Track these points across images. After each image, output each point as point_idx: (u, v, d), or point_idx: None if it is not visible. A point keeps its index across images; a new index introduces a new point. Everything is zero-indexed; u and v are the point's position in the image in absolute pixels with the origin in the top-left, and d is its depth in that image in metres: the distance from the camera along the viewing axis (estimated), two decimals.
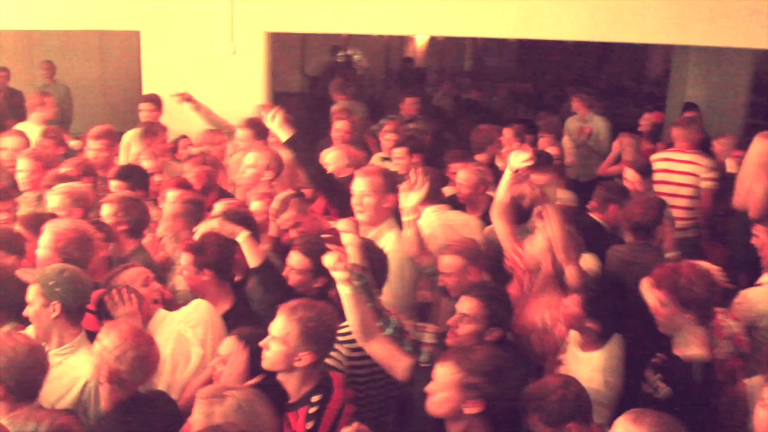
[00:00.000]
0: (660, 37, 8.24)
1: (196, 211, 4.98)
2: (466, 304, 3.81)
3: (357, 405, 3.78)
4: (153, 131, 6.94)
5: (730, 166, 7.27)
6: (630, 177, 6.37)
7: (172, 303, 4.30)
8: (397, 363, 3.61)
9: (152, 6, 7.97)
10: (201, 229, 4.26)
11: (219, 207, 4.95)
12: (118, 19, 8.20)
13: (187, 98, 7.43)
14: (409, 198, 4.42)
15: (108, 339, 3.29)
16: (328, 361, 3.70)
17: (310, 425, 3.29)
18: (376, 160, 7.61)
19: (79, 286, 3.67)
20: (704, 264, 4.13)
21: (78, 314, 3.67)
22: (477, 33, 9.19)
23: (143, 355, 3.30)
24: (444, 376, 3.14)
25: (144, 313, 3.89)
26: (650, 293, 3.90)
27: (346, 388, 3.60)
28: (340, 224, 3.83)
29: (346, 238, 3.79)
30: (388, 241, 4.53)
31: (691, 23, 7.75)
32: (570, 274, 4.19)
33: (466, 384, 3.09)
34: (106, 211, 4.73)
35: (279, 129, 5.23)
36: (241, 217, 4.54)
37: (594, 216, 5.89)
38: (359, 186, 4.65)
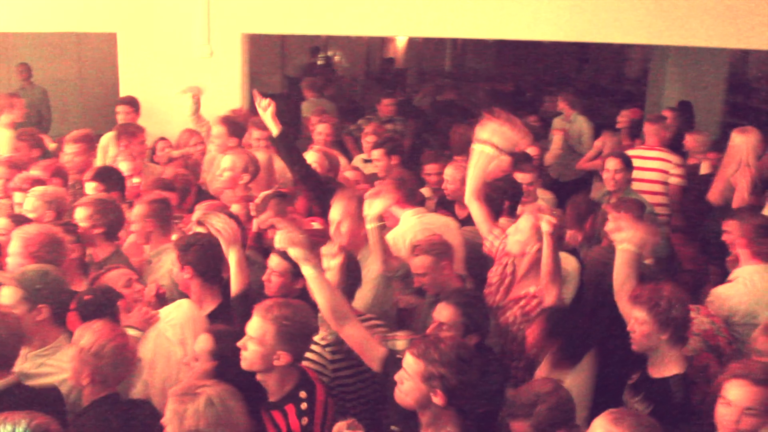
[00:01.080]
0: (637, 37, 8.31)
1: (164, 211, 4.97)
2: (443, 313, 3.86)
3: (348, 405, 3.85)
4: (130, 132, 6.88)
5: (704, 167, 7.36)
6: (611, 167, 6.37)
7: (164, 298, 4.31)
8: (372, 351, 3.60)
9: (129, 8, 7.93)
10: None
11: (200, 209, 4.99)
12: (94, 22, 8.15)
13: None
14: (373, 206, 4.43)
15: (84, 339, 3.31)
16: (311, 365, 3.73)
17: (305, 421, 3.34)
18: (357, 161, 7.62)
19: (63, 287, 3.70)
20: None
21: (62, 315, 3.69)
22: (456, 34, 9.22)
23: (120, 345, 3.34)
24: (410, 366, 3.16)
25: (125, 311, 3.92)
26: (628, 310, 3.95)
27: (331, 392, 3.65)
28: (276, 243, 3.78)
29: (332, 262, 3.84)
30: (372, 264, 4.57)
31: (668, 24, 7.81)
32: (549, 297, 4.27)
33: (430, 374, 3.10)
34: (81, 215, 4.70)
35: (270, 121, 5.29)
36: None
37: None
38: (335, 213, 4.70)
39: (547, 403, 3.22)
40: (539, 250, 4.36)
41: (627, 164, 6.40)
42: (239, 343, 3.35)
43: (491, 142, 4.69)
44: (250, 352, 3.33)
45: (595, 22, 7.85)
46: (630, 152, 7.20)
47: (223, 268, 4.17)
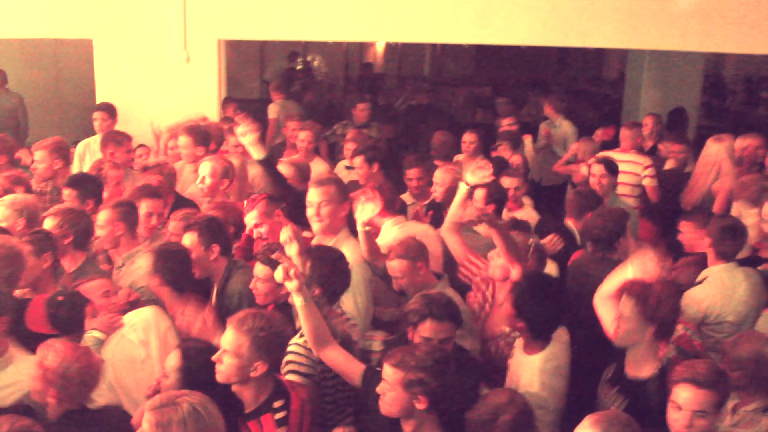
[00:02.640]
0: (614, 42, 8.40)
1: (131, 214, 4.98)
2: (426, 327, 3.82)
3: (335, 408, 3.85)
4: (117, 140, 6.85)
5: (669, 163, 7.45)
6: (597, 172, 6.44)
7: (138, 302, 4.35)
8: (352, 370, 3.64)
9: (105, 14, 7.89)
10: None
11: (178, 216, 5.03)
12: (71, 28, 8.11)
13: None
14: (364, 210, 4.48)
15: (48, 359, 3.30)
16: (300, 368, 3.75)
17: (283, 430, 3.34)
18: (340, 168, 7.63)
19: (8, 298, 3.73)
20: None
21: (13, 326, 3.71)
22: (434, 39, 9.25)
23: (85, 365, 3.33)
24: (390, 375, 3.20)
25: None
26: (607, 304, 3.98)
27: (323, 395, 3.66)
28: (282, 235, 3.83)
29: (291, 250, 3.85)
30: (346, 250, 4.54)
31: (644, 28, 7.90)
32: (515, 273, 4.32)
33: (409, 381, 3.15)
34: (50, 224, 4.66)
35: (252, 147, 5.31)
36: (217, 228, 4.65)
37: (570, 222, 5.97)
38: (315, 196, 4.69)
39: (508, 413, 3.25)
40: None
41: (612, 170, 6.49)
42: (214, 357, 3.35)
43: (468, 181, 4.80)
44: (225, 365, 3.33)
45: (571, 27, 7.93)
46: (602, 154, 7.33)
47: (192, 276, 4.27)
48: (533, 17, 7.93)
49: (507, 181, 6.31)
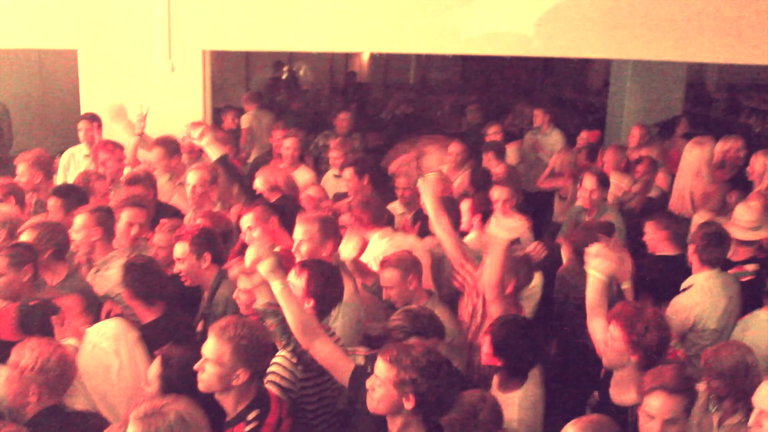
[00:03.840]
0: (596, 52, 8.47)
1: (108, 220, 5.04)
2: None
3: (315, 422, 3.85)
4: (109, 149, 6.85)
5: (635, 186, 7.43)
6: (588, 185, 6.46)
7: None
8: (342, 366, 3.62)
9: (90, 24, 7.86)
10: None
11: (164, 228, 5.09)
12: (55, 38, 8.08)
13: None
14: (346, 248, 4.75)
15: (24, 359, 3.33)
16: (281, 382, 3.75)
17: None
18: (329, 177, 7.65)
19: None
20: None
21: None
22: (417, 49, 9.28)
23: (63, 354, 3.42)
24: (382, 372, 3.20)
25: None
26: (595, 319, 4.02)
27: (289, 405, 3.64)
28: (247, 259, 3.81)
29: (254, 279, 3.79)
30: None
31: (626, 38, 7.96)
32: (495, 311, 4.36)
33: (402, 380, 3.15)
34: (28, 238, 4.66)
35: (208, 148, 5.49)
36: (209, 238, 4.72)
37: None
38: (297, 233, 4.78)
39: (485, 409, 3.35)
40: (514, 286, 4.45)
41: (603, 183, 6.51)
42: (196, 366, 3.35)
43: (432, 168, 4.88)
44: (207, 374, 3.33)
45: (554, 38, 7.98)
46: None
47: (162, 288, 4.36)
48: (517, 28, 7.98)
49: (496, 192, 6.33)
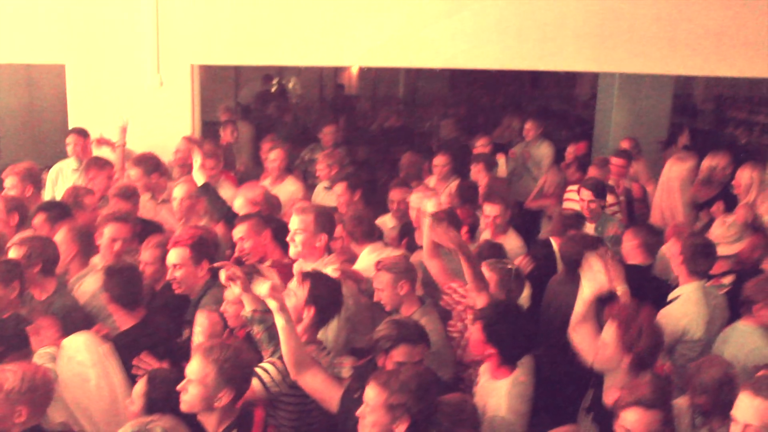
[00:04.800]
0: (582, 65, 8.52)
1: (86, 237, 5.08)
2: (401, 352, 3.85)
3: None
4: (100, 165, 6.86)
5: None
6: (585, 197, 6.53)
7: None
8: (331, 394, 3.65)
9: (78, 39, 7.88)
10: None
11: (151, 244, 5.05)
12: (43, 53, 8.08)
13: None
14: (329, 267, 4.70)
15: (8, 382, 3.32)
16: (265, 378, 3.77)
17: None
18: (319, 190, 7.66)
19: None
20: None
21: None
22: (405, 63, 9.30)
23: (44, 371, 3.44)
24: (372, 398, 3.20)
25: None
26: (580, 332, 4.02)
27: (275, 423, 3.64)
28: (222, 276, 3.87)
29: (234, 290, 3.88)
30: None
31: (611, 52, 8.03)
32: (480, 302, 4.35)
33: (393, 404, 3.17)
34: (16, 253, 4.64)
35: (196, 173, 5.71)
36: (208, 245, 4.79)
37: (554, 240, 6.02)
38: (293, 223, 4.87)
39: (469, 403, 3.42)
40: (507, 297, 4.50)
41: (599, 193, 6.58)
42: (179, 387, 3.35)
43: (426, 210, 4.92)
44: (190, 395, 3.33)
45: (541, 51, 8.03)
46: (570, 188, 7.45)
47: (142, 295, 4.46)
48: (504, 41, 8.03)
49: (489, 209, 6.36)
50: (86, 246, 5.07)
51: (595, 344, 4.00)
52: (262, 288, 3.60)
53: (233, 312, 4.28)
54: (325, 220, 4.94)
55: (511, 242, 6.32)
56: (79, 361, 3.90)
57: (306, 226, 4.83)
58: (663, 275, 5.81)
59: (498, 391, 3.89)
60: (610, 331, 3.78)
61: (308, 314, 4.03)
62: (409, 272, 4.64)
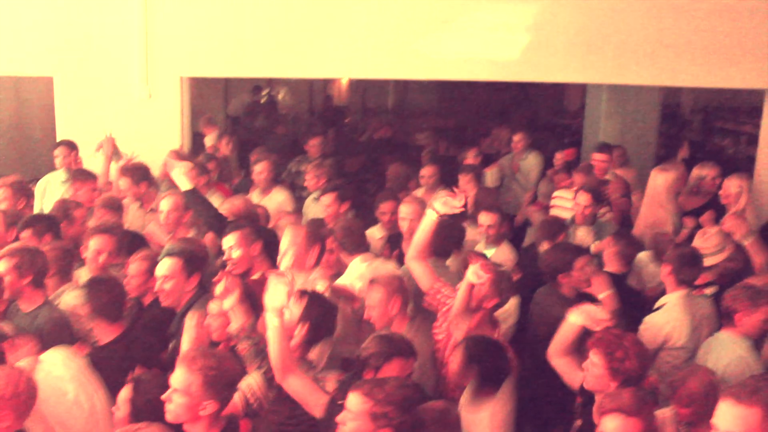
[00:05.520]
0: (569, 77, 8.59)
1: (64, 258, 5.05)
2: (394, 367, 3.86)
3: None
4: (82, 178, 6.85)
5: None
6: (582, 201, 6.58)
7: None
8: (315, 399, 3.65)
9: (66, 52, 7.87)
10: None
11: (137, 258, 5.02)
12: (31, 65, 8.08)
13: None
14: (318, 285, 4.69)
15: None
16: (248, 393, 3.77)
17: None
18: (309, 202, 7.67)
19: None
20: None
21: None
22: (393, 75, 9.34)
23: (29, 379, 3.41)
24: (355, 405, 3.20)
25: None
26: (560, 361, 4.05)
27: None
28: (217, 290, 3.87)
29: (226, 304, 3.88)
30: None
31: (599, 63, 8.08)
32: (458, 332, 4.40)
33: (377, 413, 3.16)
34: (5, 266, 4.58)
35: (179, 179, 5.59)
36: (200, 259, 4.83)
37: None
38: (285, 240, 4.88)
39: (453, 411, 3.43)
40: (496, 303, 4.50)
41: (597, 198, 6.66)
42: (164, 397, 3.34)
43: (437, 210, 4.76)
44: (175, 404, 3.32)
45: (529, 63, 8.08)
46: (555, 193, 7.50)
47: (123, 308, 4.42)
48: (492, 53, 8.07)
49: (483, 218, 6.37)
50: (67, 261, 5.04)
51: (576, 371, 4.05)
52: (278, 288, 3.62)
53: (218, 326, 4.26)
54: (316, 234, 4.95)
55: (504, 254, 6.32)
56: (57, 375, 3.88)
57: (297, 241, 4.83)
58: (638, 285, 5.91)
59: (479, 421, 3.88)
60: (597, 356, 3.78)
61: (300, 331, 4.01)
62: (403, 292, 4.62)
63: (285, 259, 4.84)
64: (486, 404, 3.93)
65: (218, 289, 3.89)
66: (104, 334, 4.36)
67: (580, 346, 4.13)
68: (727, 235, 5.67)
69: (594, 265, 5.33)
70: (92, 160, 7.47)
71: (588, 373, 3.83)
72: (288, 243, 4.85)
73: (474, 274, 4.32)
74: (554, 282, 5.20)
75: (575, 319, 4.12)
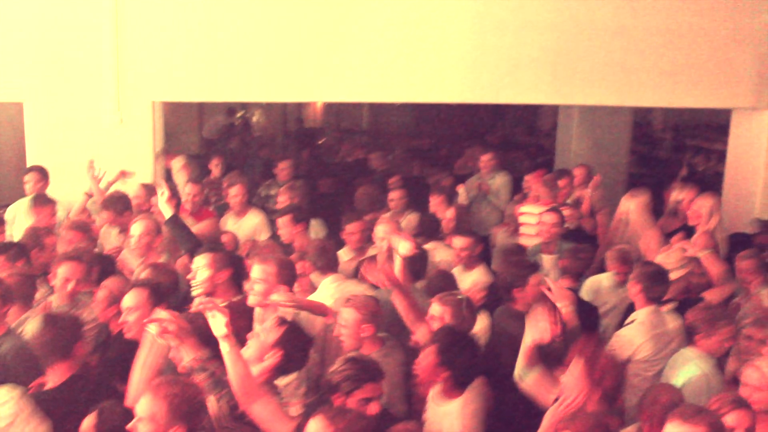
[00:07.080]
0: (540, 98, 8.72)
1: (24, 285, 4.98)
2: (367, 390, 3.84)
3: None
4: (40, 203, 6.81)
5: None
6: (548, 220, 6.75)
7: None
8: (280, 427, 3.61)
9: (36, 77, 7.82)
10: None
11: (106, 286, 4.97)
12: (1, 90, 8.00)
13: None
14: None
15: None
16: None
17: None
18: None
19: None
20: None
21: None
22: (367, 98, 9.40)
23: None
24: (316, 430, 3.18)
25: None
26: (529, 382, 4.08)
27: None
28: (152, 330, 3.79)
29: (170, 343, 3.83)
30: None
31: (569, 85, 8.20)
32: (421, 334, 4.42)
33: None
34: None
35: (164, 206, 5.70)
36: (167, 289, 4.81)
37: None
38: (253, 272, 4.83)
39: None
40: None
41: (562, 219, 6.81)
42: (129, 426, 3.30)
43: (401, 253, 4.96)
44: None
45: (499, 84, 8.16)
46: (521, 209, 7.60)
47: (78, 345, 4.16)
48: (464, 75, 8.15)
49: (457, 241, 6.40)
50: (29, 287, 4.98)
51: (546, 388, 4.06)
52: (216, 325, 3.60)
53: (180, 357, 4.20)
54: (287, 272, 4.89)
55: (480, 276, 6.31)
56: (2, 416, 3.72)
57: (266, 277, 4.78)
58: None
59: (450, 413, 3.91)
60: (576, 369, 3.79)
61: (273, 357, 3.95)
62: (376, 316, 4.59)
63: (252, 294, 4.81)
64: (456, 397, 3.97)
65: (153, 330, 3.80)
66: (56, 373, 4.09)
67: (546, 360, 4.16)
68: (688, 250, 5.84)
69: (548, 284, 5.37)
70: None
71: (566, 389, 3.84)
72: (258, 275, 4.79)
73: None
74: (509, 298, 5.20)
75: (527, 337, 4.16)
